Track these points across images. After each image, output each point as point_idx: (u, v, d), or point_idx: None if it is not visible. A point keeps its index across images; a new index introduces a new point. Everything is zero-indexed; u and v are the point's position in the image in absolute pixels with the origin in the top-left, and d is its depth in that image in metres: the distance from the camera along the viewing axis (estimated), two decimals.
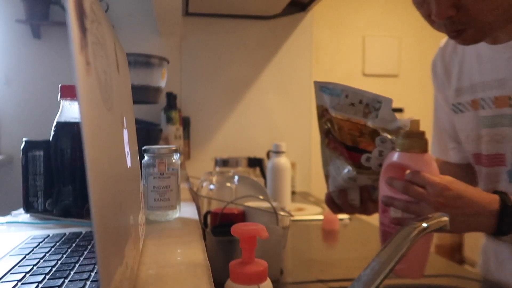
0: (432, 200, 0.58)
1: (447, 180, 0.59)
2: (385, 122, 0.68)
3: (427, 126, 2.34)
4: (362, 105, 0.70)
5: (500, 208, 0.58)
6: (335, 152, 0.76)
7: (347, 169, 0.73)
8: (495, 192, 0.61)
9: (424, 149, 0.62)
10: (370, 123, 0.68)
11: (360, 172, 0.71)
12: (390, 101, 0.68)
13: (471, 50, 0.78)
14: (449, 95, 0.84)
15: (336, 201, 0.78)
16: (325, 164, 0.81)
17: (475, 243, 1.01)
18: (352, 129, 0.71)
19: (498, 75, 0.71)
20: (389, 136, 0.68)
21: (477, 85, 0.76)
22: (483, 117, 0.75)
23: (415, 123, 0.63)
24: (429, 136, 0.71)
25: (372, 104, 0.69)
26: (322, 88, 0.75)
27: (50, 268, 0.41)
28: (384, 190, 0.65)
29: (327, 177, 0.80)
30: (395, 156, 0.63)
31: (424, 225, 0.48)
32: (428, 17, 0.65)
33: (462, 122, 0.81)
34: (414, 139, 0.62)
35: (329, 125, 0.75)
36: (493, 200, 0.59)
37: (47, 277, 0.38)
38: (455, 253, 2.22)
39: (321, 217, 1.22)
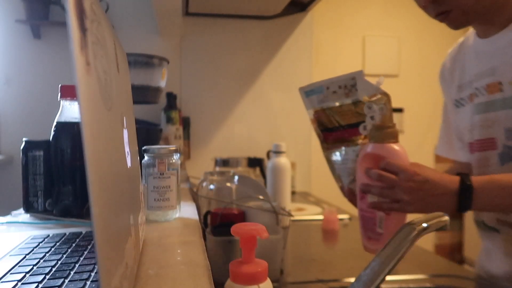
0: (403, 185, 0.66)
1: (416, 166, 0.68)
2: (364, 91, 0.76)
3: (426, 126, 2.35)
4: (341, 89, 0.80)
5: (459, 187, 0.66)
6: (335, 145, 0.83)
7: (351, 149, 0.80)
8: (458, 174, 0.68)
9: (395, 139, 0.69)
10: (354, 99, 0.77)
11: (363, 144, 0.78)
12: (361, 72, 0.76)
13: (470, 49, 0.84)
14: (452, 93, 0.89)
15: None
16: (333, 172, 0.85)
17: (475, 243, 1.01)
18: (343, 111, 0.80)
19: (490, 64, 0.77)
20: (373, 100, 0.76)
21: (473, 78, 0.82)
22: (477, 105, 0.81)
23: (387, 115, 0.71)
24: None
25: (348, 84, 0.78)
26: (306, 92, 0.87)
27: (50, 268, 0.41)
28: (361, 179, 0.72)
29: (341, 187, 0.85)
30: (370, 147, 0.70)
31: (424, 225, 0.48)
32: (421, 5, 0.74)
33: (462, 116, 0.86)
34: (386, 130, 0.69)
35: (322, 122, 0.85)
36: (454, 181, 0.67)
37: (47, 277, 0.38)
38: (455, 253, 2.22)
39: (321, 217, 1.22)
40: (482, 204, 0.67)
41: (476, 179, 0.67)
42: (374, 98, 0.76)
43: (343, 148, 0.82)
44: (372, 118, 0.76)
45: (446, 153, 0.96)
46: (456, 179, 0.67)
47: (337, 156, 0.83)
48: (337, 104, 0.81)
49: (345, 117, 0.81)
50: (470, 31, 0.87)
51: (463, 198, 0.66)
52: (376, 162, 0.69)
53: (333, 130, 0.83)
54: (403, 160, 0.68)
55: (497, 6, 0.73)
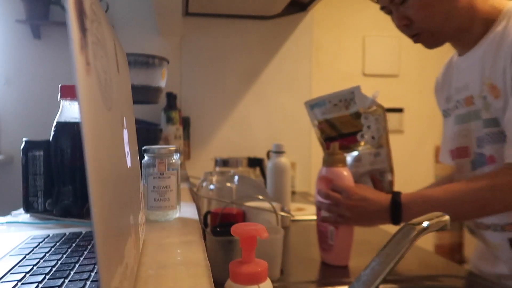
0: (344, 202, 0.79)
1: (357, 187, 0.81)
2: (362, 103, 0.89)
3: (426, 126, 2.34)
4: (342, 102, 0.92)
5: (390, 204, 0.77)
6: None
7: (350, 155, 0.92)
8: (392, 192, 0.80)
9: (342, 164, 0.83)
10: (353, 111, 0.90)
11: (362, 150, 0.90)
12: (358, 87, 0.90)
13: (454, 65, 0.94)
14: (442, 104, 1.00)
15: None
16: None
17: (475, 243, 1.01)
18: (343, 122, 0.92)
19: (464, 80, 0.87)
20: (369, 112, 0.89)
21: (454, 92, 0.92)
22: (457, 116, 0.91)
23: (336, 145, 0.84)
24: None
25: (348, 97, 0.91)
26: (311, 106, 0.99)
27: (50, 268, 0.41)
28: (316, 197, 0.85)
29: None
30: (323, 171, 0.85)
31: (424, 225, 0.48)
32: (397, 27, 0.88)
33: (447, 125, 0.96)
34: (335, 157, 0.83)
35: (325, 132, 0.96)
36: (387, 198, 0.78)
37: (47, 277, 0.38)
38: (455, 253, 2.22)
39: None
40: (411, 216, 0.72)
41: (405, 195, 0.78)
42: (370, 110, 0.88)
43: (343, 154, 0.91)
44: (368, 127, 0.89)
45: (445, 160, 1.04)
46: (389, 196, 0.78)
47: None
48: (338, 115, 0.93)
49: (345, 126, 0.92)
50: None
51: (394, 212, 0.77)
52: (327, 183, 0.83)
53: (335, 138, 0.94)
54: (347, 181, 0.81)
55: (464, 27, 0.81)
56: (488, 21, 0.80)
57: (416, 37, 0.85)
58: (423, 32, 0.82)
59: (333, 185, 0.82)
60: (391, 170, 0.91)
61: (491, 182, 0.74)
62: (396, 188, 0.86)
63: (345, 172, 0.83)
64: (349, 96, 0.90)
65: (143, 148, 0.66)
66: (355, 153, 0.91)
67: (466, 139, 0.88)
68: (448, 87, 0.96)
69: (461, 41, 0.87)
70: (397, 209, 0.77)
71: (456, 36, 0.85)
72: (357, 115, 0.89)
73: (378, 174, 0.91)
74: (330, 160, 0.84)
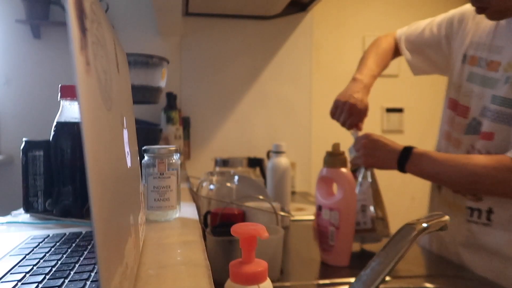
0: (361, 141, 0.92)
1: (370, 133, 0.93)
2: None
3: (426, 126, 2.34)
4: None
5: (402, 148, 0.87)
6: None
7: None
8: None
9: (342, 165, 0.84)
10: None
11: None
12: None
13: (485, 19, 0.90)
14: (461, 46, 0.95)
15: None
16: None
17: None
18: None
19: (500, 42, 0.85)
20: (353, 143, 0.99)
21: (482, 44, 0.89)
22: (472, 73, 0.90)
23: (336, 145, 0.85)
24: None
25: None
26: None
27: (50, 268, 0.41)
28: (317, 198, 0.86)
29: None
30: (324, 171, 0.86)
31: (424, 225, 0.48)
32: None
33: (459, 71, 0.94)
34: (336, 158, 0.84)
35: None
36: (400, 145, 0.89)
37: (47, 277, 0.38)
38: None
39: None
40: (415, 166, 0.86)
41: (417, 149, 0.86)
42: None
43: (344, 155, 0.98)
44: (350, 151, 0.99)
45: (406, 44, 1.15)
46: (401, 145, 0.89)
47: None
48: None
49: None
50: None
51: (402, 156, 0.86)
52: (328, 183, 0.86)
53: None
54: (348, 180, 0.83)
55: None
56: None
57: (480, 9, 0.82)
58: (490, 8, 0.80)
59: (357, 138, 0.95)
60: (378, 206, 0.96)
61: (492, 170, 0.78)
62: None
63: (347, 171, 0.84)
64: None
65: (143, 148, 0.66)
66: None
67: (470, 100, 0.89)
68: (473, 31, 0.93)
69: None
70: (406, 154, 0.86)
71: None
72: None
73: (360, 208, 0.95)
74: (331, 161, 0.85)
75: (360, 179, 0.96)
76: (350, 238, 0.85)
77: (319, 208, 0.86)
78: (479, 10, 0.82)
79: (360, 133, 1.00)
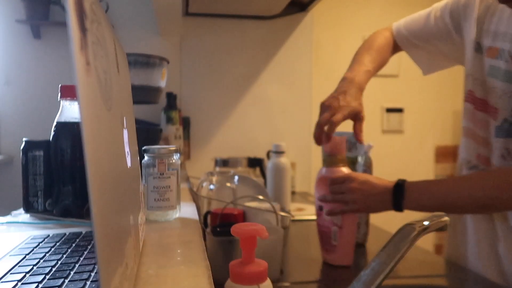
0: (347, 186, 0.79)
1: (355, 173, 0.82)
2: (358, 150, 0.98)
3: (426, 126, 2.33)
4: (346, 142, 0.93)
5: (394, 185, 0.76)
6: None
7: None
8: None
9: (343, 164, 0.84)
10: (353, 155, 0.97)
11: None
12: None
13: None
14: (472, 32, 0.85)
15: None
16: None
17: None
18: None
19: None
20: (361, 162, 0.98)
21: (502, 34, 0.79)
22: (494, 68, 0.79)
23: (339, 143, 0.84)
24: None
25: (351, 140, 0.94)
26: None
27: (50, 268, 0.41)
28: (316, 198, 0.86)
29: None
30: (323, 171, 0.86)
31: (424, 224, 0.48)
32: None
33: (475, 62, 0.84)
34: (336, 157, 0.84)
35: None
36: (390, 182, 0.78)
37: (47, 277, 0.38)
38: None
39: None
40: (412, 202, 0.75)
41: (410, 182, 0.77)
42: (363, 158, 0.98)
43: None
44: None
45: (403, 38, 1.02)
46: (392, 181, 0.78)
47: None
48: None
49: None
50: None
51: (396, 196, 0.76)
52: (327, 183, 0.84)
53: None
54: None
55: None
56: None
57: (507, 2, 0.71)
58: None
59: (333, 178, 0.82)
60: (367, 223, 0.98)
61: (505, 185, 0.70)
62: None
63: (347, 170, 0.84)
64: (353, 140, 0.94)
65: (143, 148, 0.66)
66: None
67: (497, 99, 0.78)
68: (489, 19, 0.82)
69: None
70: (400, 193, 0.76)
71: None
72: (354, 161, 0.97)
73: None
74: (330, 160, 0.84)
75: None
76: (353, 236, 0.84)
77: (320, 209, 0.85)
78: (506, 2, 0.71)
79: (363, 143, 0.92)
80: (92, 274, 0.39)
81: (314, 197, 0.89)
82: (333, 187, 0.82)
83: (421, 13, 0.99)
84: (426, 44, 0.98)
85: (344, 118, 0.84)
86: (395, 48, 1.05)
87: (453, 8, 0.90)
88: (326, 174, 0.85)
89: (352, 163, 0.97)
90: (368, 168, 0.96)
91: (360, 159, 0.96)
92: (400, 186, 0.76)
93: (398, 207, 0.76)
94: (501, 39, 0.78)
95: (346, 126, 0.90)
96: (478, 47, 0.83)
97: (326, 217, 0.84)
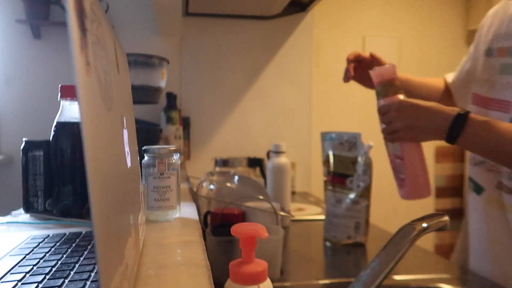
0: (393, 115, 0.76)
1: (402, 99, 0.77)
2: (358, 150, 0.96)
3: None
4: (346, 142, 0.98)
5: (456, 113, 0.70)
6: (330, 187, 1.02)
7: (333, 197, 1.00)
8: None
9: (398, 93, 0.78)
10: (353, 155, 0.97)
11: (345, 194, 0.98)
12: (359, 135, 0.97)
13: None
14: (486, 42, 0.87)
15: None
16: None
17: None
18: (342, 161, 0.99)
19: None
20: (361, 162, 0.96)
21: (507, 33, 0.80)
22: (505, 64, 0.79)
23: (388, 71, 0.80)
24: None
25: (351, 140, 0.97)
26: (325, 137, 1.04)
27: (50, 268, 0.41)
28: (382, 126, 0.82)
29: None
30: (381, 102, 0.81)
31: (424, 225, 0.48)
32: None
33: (486, 65, 0.85)
34: (390, 87, 0.79)
35: (329, 165, 1.03)
36: (453, 109, 0.71)
37: (47, 277, 0.38)
38: None
39: (321, 217, 1.22)
40: (470, 136, 0.69)
41: (473, 115, 0.70)
42: (364, 158, 0.96)
43: (330, 192, 1.01)
44: (358, 175, 0.96)
45: (454, 83, 1.00)
46: (455, 108, 0.71)
47: (327, 195, 1.03)
48: (339, 154, 1.00)
49: (341, 167, 0.99)
50: None
51: (455, 123, 0.69)
52: None
53: (329, 173, 1.02)
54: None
55: None
56: None
57: None
58: None
59: (378, 108, 0.80)
60: (367, 223, 0.98)
61: None
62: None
63: (403, 96, 0.79)
64: (352, 139, 0.97)
65: (143, 148, 0.66)
66: (338, 194, 0.99)
67: (507, 93, 0.78)
68: (499, 23, 0.85)
69: None
70: (462, 120, 0.69)
71: None
72: (354, 161, 0.97)
73: (353, 224, 0.96)
74: (382, 91, 0.79)
75: (353, 196, 0.96)
76: (421, 166, 0.79)
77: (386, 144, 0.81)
78: None
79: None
80: (92, 274, 0.39)
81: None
82: (381, 117, 0.79)
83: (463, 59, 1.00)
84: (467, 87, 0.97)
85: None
86: (448, 96, 1.03)
87: (475, 38, 0.93)
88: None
89: (352, 163, 0.97)
90: (368, 168, 0.96)
91: (360, 159, 0.96)
92: (463, 115, 0.69)
93: (452, 139, 0.70)
94: (510, 37, 0.79)
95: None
96: (490, 52, 0.84)
97: (389, 150, 0.80)
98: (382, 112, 0.78)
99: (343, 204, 0.98)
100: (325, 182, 1.05)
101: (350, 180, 0.97)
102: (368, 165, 0.96)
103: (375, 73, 0.81)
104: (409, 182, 0.78)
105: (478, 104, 0.85)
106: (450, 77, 1.02)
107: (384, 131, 0.80)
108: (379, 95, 0.81)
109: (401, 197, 0.82)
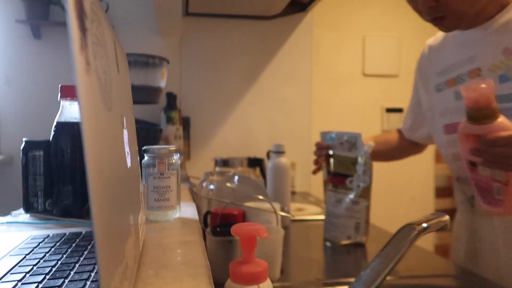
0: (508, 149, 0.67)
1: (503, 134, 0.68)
2: (358, 151, 0.97)
3: None
4: (346, 142, 0.99)
5: None
6: (330, 187, 1.03)
7: (333, 195, 1.00)
8: None
9: (493, 118, 0.69)
10: (353, 155, 0.97)
11: (345, 194, 0.99)
12: (360, 135, 0.97)
13: (449, 38, 0.95)
14: (432, 78, 0.99)
15: None
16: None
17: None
18: (341, 161, 1.00)
19: (469, 53, 0.86)
20: (361, 162, 0.96)
21: (452, 65, 0.91)
22: (457, 91, 0.89)
23: (487, 93, 0.68)
24: None
25: (351, 140, 0.98)
26: (324, 136, 1.05)
27: (50, 268, 0.41)
28: (465, 155, 0.76)
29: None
30: (469, 127, 0.72)
31: (424, 225, 0.48)
32: (417, 10, 0.84)
33: (441, 99, 0.95)
34: (481, 111, 0.69)
35: (328, 164, 1.04)
36: None
37: (47, 277, 0.38)
38: None
39: (321, 217, 1.22)
40: None
41: None
42: (364, 158, 0.96)
43: (330, 192, 1.01)
44: (358, 175, 0.96)
45: (409, 133, 1.14)
46: None
47: (326, 194, 1.03)
48: (339, 153, 1.00)
49: (341, 167, 0.99)
50: None
51: None
52: (475, 139, 0.72)
53: (330, 173, 1.03)
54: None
55: (481, 10, 0.82)
56: (503, 3, 0.82)
57: (437, 21, 0.82)
58: (448, 16, 0.80)
59: (492, 140, 0.69)
60: (366, 232, 0.98)
61: None
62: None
63: (503, 121, 0.69)
64: (352, 139, 0.98)
65: (143, 148, 0.66)
66: (338, 195, 0.99)
67: None
68: (439, 61, 0.96)
69: (473, 24, 0.85)
70: None
71: (473, 20, 0.83)
72: (354, 161, 0.97)
73: (354, 224, 0.96)
74: (477, 115, 0.70)
75: (353, 196, 0.97)
76: None
77: (472, 164, 0.75)
78: (436, 21, 0.82)
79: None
80: (92, 274, 0.39)
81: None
82: (494, 150, 0.69)
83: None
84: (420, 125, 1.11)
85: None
86: (407, 148, 1.19)
87: (414, 82, 1.09)
88: (476, 132, 0.71)
89: (352, 163, 0.97)
90: (368, 169, 0.96)
91: (360, 159, 0.96)
92: None
93: None
94: (450, 69, 0.91)
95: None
96: (438, 88, 0.96)
97: (482, 173, 0.75)
98: (498, 144, 0.69)
99: (343, 204, 0.98)
100: (325, 182, 1.05)
101: (350, 180, 0.97)
102: (368, 165, 0.96)
103: (469, 96, 0.71)
104: (509, 203, 0.73)
105: (450, 133, 0.92)
106: (404, 125, 1.16)
107: (495, 165, 0.72)
108: (470, 119, 0.72)
109: (493, 213, 0.83)
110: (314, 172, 1.11)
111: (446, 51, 0.95)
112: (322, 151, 1.04)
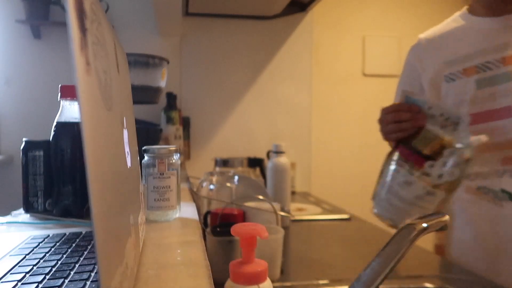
0: None
1: None
2: (460, 137, 0.76)
3: None
4: (442, 118, 0.78)
5: None
6: (397, 160, 0.83)
7: (402, 174, 0.81)
8: None
9: None
10: (446, 136, 0.77)
11: (419, 178, 0.78)
12: (468, 119, 0.77)
13: (459, 28, 0.95)
14: (436, 68, 0.98)
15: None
16: (380, 175, 0.87)
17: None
18: (427, 138, 0.79)
19: (500, 40, 0.86)
20: (455, 152, 0.75)
21: (472, 54, 0.90)
22: (481, 79, 0.88)
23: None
24: None
25: (452, 119, 0.78)
26: (407, 97, 0.85)
27: (50, 268, 0.41)
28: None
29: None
30: None
31: (424, 225, 0.48)
32: None
33: (456, 89, 0.93)
34: None
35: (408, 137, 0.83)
36: None
37: (47, 277, 0.38)
38: None
39: (321, 217, 1.22)
40: None
41: None
42: (462, 149, 0.75)
43: (398, 167, 0.82)
44: (444, 163, 0.76)
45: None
46: None
47: (391, 168, 0.84)
48: (429, 128, 0.79)
49: (423, 144, 0.79)
50: (455, 15, 1.00)
51: None
52: None
53: (405, 144, 0.82)
54: None
55: None
56: None
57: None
58: None
59: None
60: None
61: None
62: None
63: None
64: (454, 119, 0.78)
65: (143, 148, 0.66)
66: (410, 176, 0.80)
67: (507, 99, 0.84)
68: (451, 50, 0.95)
69: (503, 10, 0.88)
70: None
71: (505, 6, 0.87)
72: (446, 145, 0.77)
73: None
74: None
75: (429, 186, 0.78)
76: None
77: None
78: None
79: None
80: (92, 274, 0.39)
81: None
82: (385, 118, 0.77)
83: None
84: None
85: None
86: None
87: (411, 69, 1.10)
88: None
89: (441, 146, 0.77)
90: (463, 162, 0.74)
91: (458, 147, 0.75)
92: None
93: None
94: (471, 58, 0.89)
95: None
96: (449, 78, 0.93)
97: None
98: (387, 111, 0.80)
99: (413, 189, 0.79)
100: (391, 153, 0.87)
101: (431, 164, 0.77)
102: (463, 159, 0.75)
103: None
104: None
105: (480, 121, 0.88)
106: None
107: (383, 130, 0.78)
108: None
109: None
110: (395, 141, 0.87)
111: (460, 41, 0.94)
112: (419, 117, 0.81)
